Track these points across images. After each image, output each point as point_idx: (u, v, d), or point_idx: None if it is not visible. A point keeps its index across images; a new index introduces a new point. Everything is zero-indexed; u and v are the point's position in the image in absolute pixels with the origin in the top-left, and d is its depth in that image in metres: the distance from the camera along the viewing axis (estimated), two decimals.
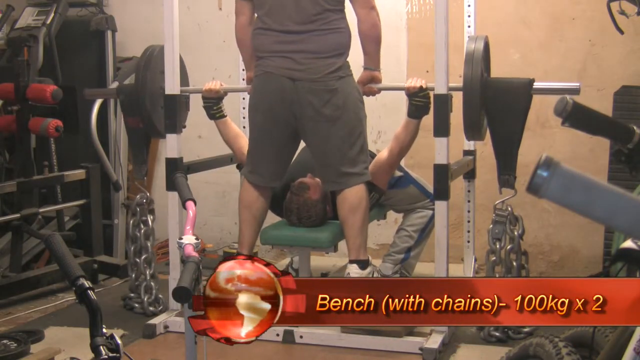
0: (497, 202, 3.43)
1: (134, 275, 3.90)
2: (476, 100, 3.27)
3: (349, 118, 3.32)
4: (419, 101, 3.38)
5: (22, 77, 4.18)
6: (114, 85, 4.90)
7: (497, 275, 3.42)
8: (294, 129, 3.38)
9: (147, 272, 3.85)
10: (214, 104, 3.66)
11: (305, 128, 3.34)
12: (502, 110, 3.29)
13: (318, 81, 3.27)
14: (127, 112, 3.87)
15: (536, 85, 3.30)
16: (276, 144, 3.43)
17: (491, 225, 3.42)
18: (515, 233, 3.41)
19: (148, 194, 3.88)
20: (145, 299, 3.83)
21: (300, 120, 3.33)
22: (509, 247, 3.41)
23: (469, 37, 3.70)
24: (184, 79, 4.06)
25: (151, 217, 3.86)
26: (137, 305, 3.86)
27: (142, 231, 3.85)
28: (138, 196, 3.89)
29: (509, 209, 3.42)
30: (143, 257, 3.86)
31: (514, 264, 3.40)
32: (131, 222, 3.88)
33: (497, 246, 3.40)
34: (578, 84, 3.27)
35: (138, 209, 3.86)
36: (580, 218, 1.38)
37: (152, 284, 3.85)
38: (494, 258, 3.41)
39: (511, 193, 3.38)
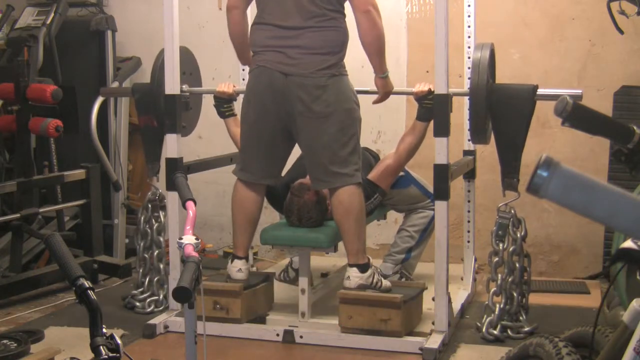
0: (501, 204, 3.45)
1: (141, 271, 3.93)
2: (482, 105, 3.34)
3: (340, 117, 3.29)
4: (428, 103, 3.39)
5: (22, 77, 4.17)
6: (114, 85, 4.91)
7: (499, 277, 3.43)
8: (286, 125, 3.35)
9: (161, 267, 3.90)
10: (225, 102, 3.74)
11: (296, 124, 3.32)
12: (507, 115, 3.36)
13: (308, 76, 3.25)
14: (142, 111, 3.93)
15: (540, 91, 3.34)
16: (267, 140, 3.40)
17: (494, 227, 3.44)
18: (518, 235, 3.43)
19: (160, 191, 3.89)
20: (161, 293, 3.88)
21: (291, 116, 3.31)
22: (511, 248, 3.43)
23: (475, 44, 3.71)
24: (197, 79, 4.07)
25: (163, 214, 3.90)
26: (138, 304, 3.87)
27: (155, 227, 3.89)
28: (150, 193, 3.93)
29: (512, 211, 3.44)
30: (156, 252, 3.90)
31: (517, 265, 3.42)
32: (142, 218, 3.92)
33: (500, 247, 3.43)
34: (580, 91, 3.29)
35: (150, 205, 3.90)
36: (580, 218, 1.38)
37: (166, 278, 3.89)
38: (497, 259, 3.43)
39: (514, 195, 3.41)
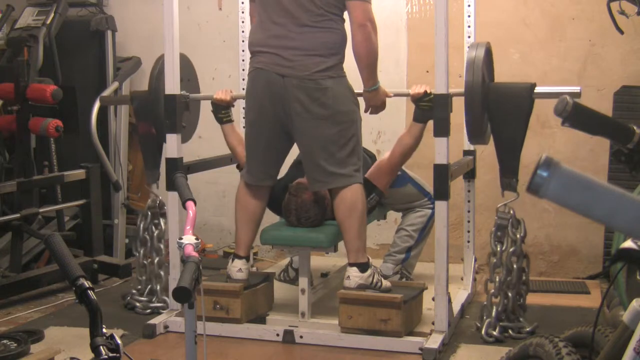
0: (500, 205, 3.44)
1: (143, 278, 3.92)
2: (478, 105, 3.30)
3: (339, 119, 3.29)
4: (424, 105, 3.38)
5: (22, 77, 4.17)
6: (114, 85, 4.91)
7: (497, 278, 3.41)
8: (284, 125, 3.35)
9: (162, 274, 3.88)
10: (222, 108, 3.70)
11: (294, 125, 3.32)
12: (505, 115, 3.33)
13: (307, 78, 3.25)
14: (140, 118, 3.93)
15: (538, 89, 3.32)
16: (266, 141, 3.41)
17: (493, 228, 3.43)
18: (518, 236, 3.41)
19: (160, 198, 3.88)
20: (164, 300, 3.86)
21: (289, 117, 3.31)
22: (510, 249, 3.41)
23: (469, 45, 3.67)
24: (195, 86, 4.06)
25: (163, 221, 3.89)
26: (138, 304, 3.87)
27: (155, 234, 3.89)
28: (150, 200, 3.91)
29: (512, 212, 3.42)
30: (156, 259, 3.89)
31: (515, 266, 3.41)
32: (141, 225, 3.91)
33: (499, 249, 3.41)
34: (579, 88, 3.28)
35: (149, 213, 3.90)
36: (580, 218, 1.38)
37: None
38: (495, 260, 3.42)
39: (513, 196, 3.39)
